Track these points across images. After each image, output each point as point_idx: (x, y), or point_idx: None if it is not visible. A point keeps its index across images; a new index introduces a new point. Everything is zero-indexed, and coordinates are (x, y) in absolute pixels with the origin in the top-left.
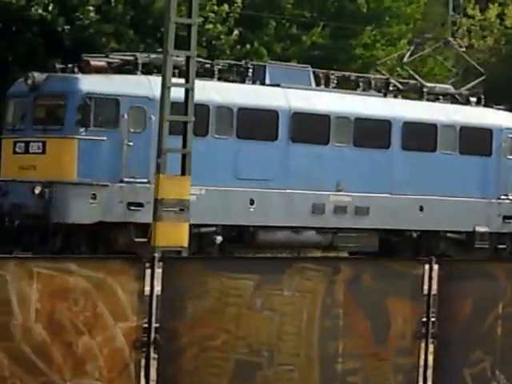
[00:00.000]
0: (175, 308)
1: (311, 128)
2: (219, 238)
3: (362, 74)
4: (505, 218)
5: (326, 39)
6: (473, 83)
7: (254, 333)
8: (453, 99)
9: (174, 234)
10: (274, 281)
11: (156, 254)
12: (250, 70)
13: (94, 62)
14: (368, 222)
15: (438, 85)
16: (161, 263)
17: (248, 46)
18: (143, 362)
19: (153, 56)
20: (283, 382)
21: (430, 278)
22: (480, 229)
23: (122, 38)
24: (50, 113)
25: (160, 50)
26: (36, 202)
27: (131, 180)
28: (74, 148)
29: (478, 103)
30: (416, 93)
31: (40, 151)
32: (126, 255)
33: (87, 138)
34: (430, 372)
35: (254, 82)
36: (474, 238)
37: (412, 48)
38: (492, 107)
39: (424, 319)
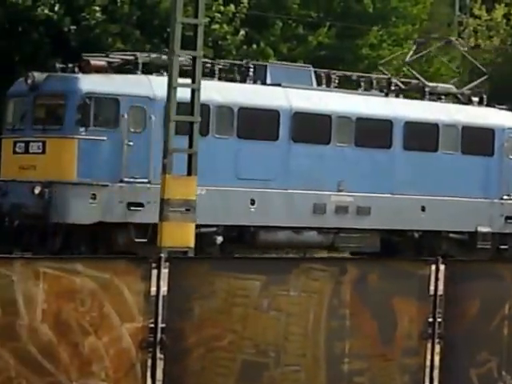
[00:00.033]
0: (181, 308)
1: (312, 128)
2: (220, 238)
3: (363, 74)
4: (507, 218)
5: (332, 39)
6: (475, 83)
7: (260, 333)
8: (455, 99)
9: (180, 235)
10: (280, 281)
11: (162, 255)
12: (251, 70)
13: (95, 62)
14: (369, 222)
15: (440, 84)
16: (167, 263)
17: (254, 47)
18: (149, 362)
19: (153, 56)
20: (290, 383)
21: (437, 279)
22: (482, 229)
23: (128, 38)
24: (49, 112)
25: (166, 50)
26: (36, 202)
27: (131, 180)
28: (73, 148)
29: (480, 103)
30: (418, 92)
31: (40, 151)
32: (132, 256)
33: (87, 137)
34: (436, 372)
35: (255, 82)
36: (476, 238)
37: (414, 48)
38: (494, 107)
39: (430, 320)
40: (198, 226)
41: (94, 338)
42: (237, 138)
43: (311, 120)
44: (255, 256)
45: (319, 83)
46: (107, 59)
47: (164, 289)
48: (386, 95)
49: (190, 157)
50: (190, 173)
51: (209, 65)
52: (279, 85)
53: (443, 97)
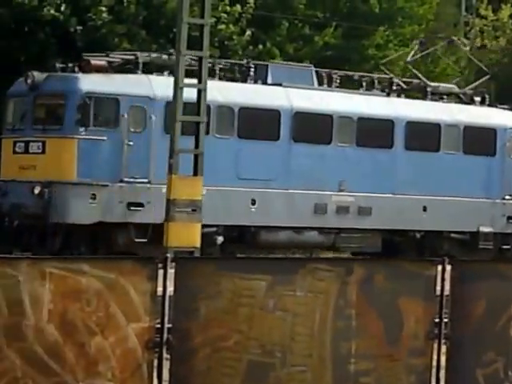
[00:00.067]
0: (188, 308)
1: (313, 128)
2: (220, 239)
3: (365, 74)
4: (509, 218)
5: (338, 40)
6: (477, 82)
7: (266, 333)
8: (457, 99)
9: (186, 235)
10: (286, 281)
11: (168, 255)
12: (252, 70)
13: (95, 62)
14: (371, 222)
15: (441, 84)
16: (173, 263)
17: (260, 47)
18: (156, 362)
19: (154, 55)
20: (296, 383)
21: (443, 279)
22: (484, 229)
23: (135, 38)
24: (49, 112)
25: (172, 50)
26: (35, 202)
27: (131, 180)
28: (73, 148)
29: (482, 103)
30: (420, 92)
31: (40, 151)
32: (138, 256)
33: (87, 137)
34: (442, 373)
35: (255, 82)
36: (478, 238)
37: (416, 47)
38: (496, 107)
39: (437, 320)
40: None
41: (100, 338)
42: (237, 137)
43: (312, 120)
44: (261, 256)
45: (320, 83)
46: (107, 59)
47: (170, 289)
48: (388, 95)
49: (196, 157)
50: (196, 173)
51: (210, 64)
52: (280, 84)
53: (445, 97)
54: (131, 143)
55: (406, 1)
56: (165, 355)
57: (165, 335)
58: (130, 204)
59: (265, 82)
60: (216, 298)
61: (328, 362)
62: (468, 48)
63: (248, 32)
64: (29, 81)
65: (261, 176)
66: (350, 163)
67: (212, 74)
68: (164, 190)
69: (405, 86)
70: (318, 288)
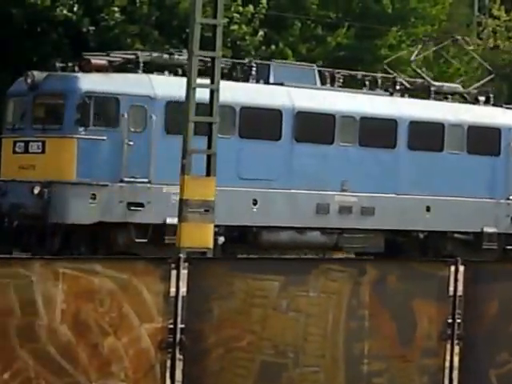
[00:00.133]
0: (201, 309)
1: (316, 127)
2: (221, 239)
3: (368, 73)
4: None
5: (351, 40)
6: (482, 82)
7: (279, 334)
8: (461, 98)
9: (198, 235)
10: (299, 282)
11: (181, 255)
12: (254, 69)
13: (95, 61)
14: (374, 222)
15: (445, 84)
16: (186, 264)
17: (273, 47)
18: (169, 362)
19: (154, 54)
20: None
21: (456, 280)
22: (488, 229)
23: (147, 38)
24: (49, 112)
25: (185, 50)
26: (35, 202)
27: (131, 180)
28: (73, 147)
29: (486, 102)
30: (424, 92)
31: (39, 151)
32: (151, 256)
33: (87, 137)
34: (455, 373)
35: (257, 81)
36: (481, 238)
37: (420, 47)
38: (501, 106)
39: (450, 320)
40: None
41: (113, 339)
42: (239, 137)
43: (314, 119)
44: (274, 257)
45: (323, 82)
46: (108, 58)
47: (183, 289)
48: (391, 94)
49: (208, 157)
50: (208, 173)
51: (210, 64)
52: (282, 84)
53: (449, 96)
54: (131, 143)
55: (419, 1)
56: (178, 356)
57: (178, 336)
58: (130, 204)
59: (267, 82)
60: (229, 299)
61: (341, 362)
62: (471, 47)
63: (261, 32)
64: (28, 80)
65: (262, 176)
66: (353, 163)
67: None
68: (164, 190)
69: (408, 86)
70: (330, 288)
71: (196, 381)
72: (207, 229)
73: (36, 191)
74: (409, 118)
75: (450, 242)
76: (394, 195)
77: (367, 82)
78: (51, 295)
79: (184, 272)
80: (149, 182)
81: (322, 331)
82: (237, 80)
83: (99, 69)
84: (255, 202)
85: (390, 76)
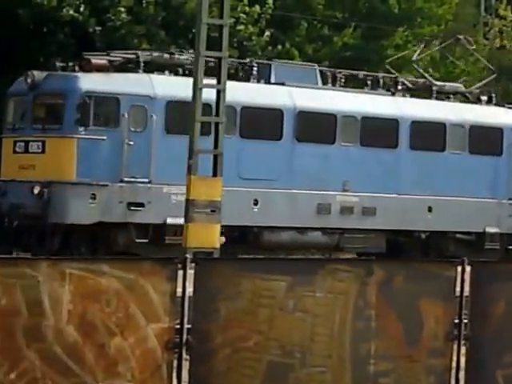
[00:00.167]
0: (207, 309)
1: (317, 127)
2: (222, 239)
3: (370, 73)
4: None
5: (357, 40)
6: (484, 81)
7: (286, 334)
8: (463, 98)
9: (205, 235)
10: (306, 282)
11: (188, 255)
12: (255, 69)
13: (96, 61)
14: (375, 222)
15: (447, 83)
16: (193, 264)
17: (279, 47)
18: (175, 363)
19: (155, 54)
20: None
21: (463, 280)
22: (490, 230)
23: (154, 39)
24: (49, 112)
25: (191, 51)
26: (35, 202)
27: (132, 180)
28: (73, 147)
29: (488, 102)
30: (426, 92)
31: (39, 151)
32: (157, 257)
33: (87, 137)
34: (462, 374)
35: (258, 81)
36: (484, 239)
37: (422, 47)
38: (503, 106)
39: (456, 321)
40: None
41: (120, 339)
42: (240, 137)
43: (316, 119)
44: (281, 257)
45: (325, 82)
46: (108, 58)
47: (190, 289)
48: (393, 94)
49: (215, 157)
50: (215, 174)
51: (211, 63)
52: (283, 84)
53: (451, 96)
54: (131, 143)
55: (426, 1)
56: (184, 356)
57: (184, 336)
58: (130, 204)
59: (268, 81)
60: (236, 299)
61: (347, 362)
62: (474, 47)
63: (267, 33)
64: (28, 80)
65: (263, 176)
66: (354, 163)
67: (215, 73)
68: (165, 190)
69: (410, 86)
70: (337, 289)
71: (203, 381)
72: (214, 229)
73: (36, 191)
74: (410, 117)
75: (451, 243)
76: (395, 195)
77: (369, 82)
78: (58, 295)
79: (191, 272)
80: (149, 182)
81: (329, 331)
82: (238, 80)
83: (99, 68)
84: (256, 202)
85: (392, 76)
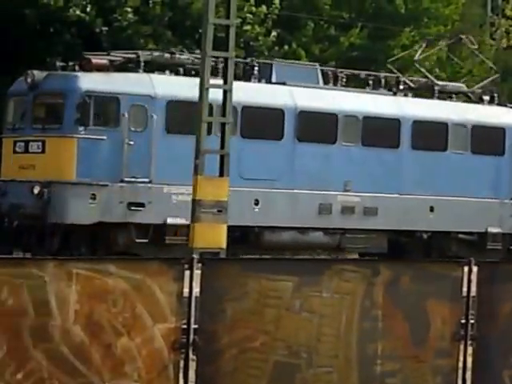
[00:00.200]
0: (214, 309)
1: (318, 127)
2: None
3: (371, 72)
4: None
5: (364, 40)
6: (486, 81)
7: (292, 334)
8: (465, 98)
9: (211, 236)
10: (312, 282)
11: (195, 256)
12: (256, 68)
13: (96, 60)
14: (376, 222)
15: (449, 83)
16: (199, 264)
17: (286, 47)
18: (182, 363)
19: (155, 54)
20: None
21: (469, 280)
22: (492, 230)
23: (160, 39)
24: (49, 111)
25: (198, 51)
26: (34, 202)
27: (132, 180)
28: (73, 147)
29: (491, 102)
30: (428, 91)
31: (39, 150)
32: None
33: (87, 137)
34: (468, 374)
35: (259, 81)
36: (486, 239)
37: (424, 46)
38: (506, 106)
39: (463, 321)
40: None
41: (127, 339)
42: (241, 137)
43: (317, 119)
44: (287, 257)
45: (326, 82)
46: (109, 57)
47: (196, 290)
48: (395, 94)
49: (221, 158)
50: (221, 174)
51: (213, 63)
52: (284, 83)
53: (454, 96)
54: (132, 142)
55: (432, 1)
56: (191, 356)
57: (191, 336)
58: (130, 204)
59: (269, 81)
60: (242, 299)
61: (354, 362)
62: (476, 46)
63: (273, 33)
64: (28, 80)
65: (264, 176)
66: (356, 163)
67: (215, 73)
68: (165, 190)
69: (412, 85)
70: (344, 289)
71: (209, 381)
72: (220, 229)
73: (36, 191)
74: (412, 117)
75: (453, 243)
76: (397, 195)
77: (370, 82)
78: (64, 295)
79: (197, 272)
80: (149, 182)
81: (336, 332)
82: (239, 79)
83: (100, 68)
84: (257, 202)
85: (394, 75)
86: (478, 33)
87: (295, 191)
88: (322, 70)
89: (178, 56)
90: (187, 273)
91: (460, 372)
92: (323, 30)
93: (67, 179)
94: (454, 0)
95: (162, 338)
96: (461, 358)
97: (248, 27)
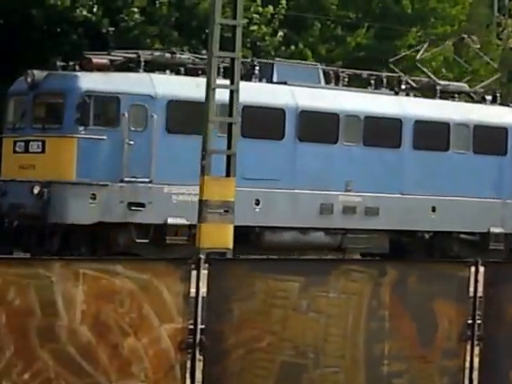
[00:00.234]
0: (221, 310)
1: (319, 126)
2: None
3: (373, 72)
4: None
5: (370, 40)
6: (488, 81)
7: (299, 334)
8: (468, 97)
9: (218, 236)
10: (319, 283)
11: (201, 256)
12: (257, 68)
13: (96, 60)
14: (378, 222)
15: (452, 83)
16: (206, 265)
17: (293, 48)
18: (189, 363)
19: (156, 54)
20: None
21: (476, 280)
22: (495, 230)
23: (167, 39)
24: (49, 111)
25: (204, 51)
26: (34, 202)
27: (132, 180)
28: (73, 147)
29: (493, 101)
30: (430, 91)
31: (39, 150)
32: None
33: (87, 136)
34: (475, 374)
35: (260, 80)
36: (488, 239)
37: (426, 46)
38: (508, 106)
39: (470, 321)
40: None
41: (134, 339)
42: (241, 137)
43: (318, 119)
44: (294, 257)
45: (327, 81)
46: (109, 57)
47: (203, 290)
48: (397, 94)
49: (228, 158)
50: (228, 174)
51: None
52: (285, 83)
53: (456, 95)
54: (132, 142)
55: (439, 1)
56: (198, 356)
57: (198, 336)
58: (130, 204)
59: (270, 81)
60: (249, 299)
61: (361, 363)
62: (478, 46)
63: (280, 33)
64: (28, 79)
65: (265, 176)
66: (357, 163)
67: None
68: (165, 190)
69: (414, 85)
70: (351, 289)
71: (216, 382)
72: (227, 229)
73: (36, 191)
74: (414, 117)
75: (456, 243)
76: (398, 195)
77: (372, 81)
78: (71, 296)
79: (204, 272)
80: (150, 182)
81: (343, 332)
82: (240, 79)
83: (100, 68)
84: (258, 202)
85: (396, 75)
86: (484, 33)
87: (296, 191)
88: (323, 70)
89: (178, 56)
90: (194, 273)
91: (467, 372)
92: (330, 30)
93: (67, 179)
94: (461, 0)
95: (168, 339)
96: (468, 359)
97: (255, 27)
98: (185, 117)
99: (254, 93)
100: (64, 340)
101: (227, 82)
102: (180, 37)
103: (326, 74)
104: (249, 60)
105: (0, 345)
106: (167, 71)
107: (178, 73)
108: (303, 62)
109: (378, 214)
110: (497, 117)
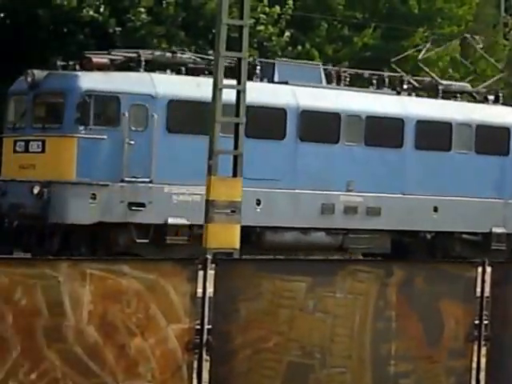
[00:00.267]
0: (227, 310)
1: (320, 126)
2: None
3: (375, 72)
4: None
5: (377, 40)
6: (490, 81)
7: (306, 335)
8: (470, 97)
9: (224, 236)
10: (326, 283)
11: (208, 256)
12: (258, 68)
13: (97, 59)
14: (380, 222)
15: (454, 83)
16: (213, 265)
17: (299, 48)
18: (195, 363)
19: (156, 53)
20: None
21: (483, 281)
22: (497, 230)
23: (174, 39)
24: (49, 111)
25: (211, 51)
26: (34, 202)
27: (132, 179)
28: (73, 147)
29: (495, 101)
30: (432, 91)
31: (40, 150)
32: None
33: (87, 136)
34: (482, 374)
35: (261, 80)
36: (490, 239)
37: (428, 45)
38: (511, 106)
39: (477, 321)
40: (202, 227)
41: (140, 340)
42: None
43: (319, 118)
44: (301, 258)
45: (329, 81)
46: (110, 56)
47: (210, 290)
48: (399, 93)
49: (235, 158)
50: (235, 174)
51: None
52: (286, 82)
53: (458, 95)
54: (132, 142)
55: (446, 1)
56: (205, 356)
57: (205, 336)
58: (131, 204)
59: (271, 80)
60: (256, 300)
61: (368, 363)
62: (481, 46)
63: (287, 33)
64: (29, 79)
65: (266, 176)
66: (359, 163)
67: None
68: (166, 190)
69: (416, 85)
70: (357, 289)
71: (223, 382)
72: (233, 229)
73: (36, 191)
74: (416, 117)
75: (457, 243)
76: (400, 195)
77: (374, 81)
78: (78, 296)
79: (211, 273)
80: (150, 182)
81: (349, 332)
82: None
83: (101, 67)
84: (259, 202)
85: (398, 75)
86: (491, 33)
87: (297, 191)
88: (324, 70)
89: (179, 55)
90: (201, 273)
91: (474, 372)
92: (336, 31)
93: (67, 179)
94: (468, 0)
95: (175, 339)
96: (474, 359)
97: (261, 27)
98: (185, 117)
99: (255, 93)
100: (71, 340)
101: (232, 81)
102: (187, 37)
103: (327, 73)
104: (250, 59)
105: (7, 345)
106: (168, 71)
107: (178, 72)
108: (304, 61)
109: (380, 214)
110: (499, 117)
